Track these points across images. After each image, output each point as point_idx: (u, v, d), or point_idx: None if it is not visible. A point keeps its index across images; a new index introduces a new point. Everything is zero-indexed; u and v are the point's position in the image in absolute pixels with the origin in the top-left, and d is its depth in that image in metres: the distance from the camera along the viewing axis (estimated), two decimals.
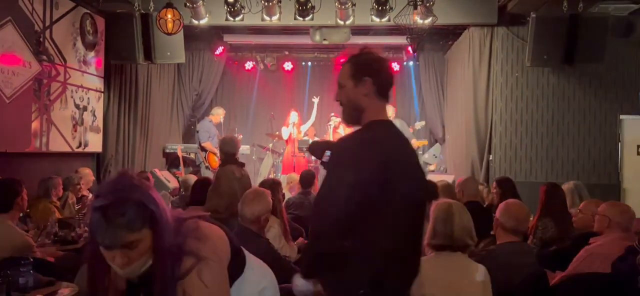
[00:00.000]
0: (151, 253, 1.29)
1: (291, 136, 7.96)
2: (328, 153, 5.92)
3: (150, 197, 1.29)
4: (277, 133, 8.27)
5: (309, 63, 10.08)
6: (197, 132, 8.13)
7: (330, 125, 8.00)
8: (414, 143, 7.76)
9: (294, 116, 8.08)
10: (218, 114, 8.06)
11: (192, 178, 5.36)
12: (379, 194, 1.61)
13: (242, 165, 4.45)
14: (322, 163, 6.30)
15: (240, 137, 8.03)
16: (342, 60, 1.84)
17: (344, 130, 8.13)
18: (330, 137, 8.10)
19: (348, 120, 1.81)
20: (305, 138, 8.23)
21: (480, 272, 2.29)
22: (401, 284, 1.69)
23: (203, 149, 7.92)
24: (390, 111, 7.81)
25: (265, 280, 1.87)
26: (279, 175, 8.47)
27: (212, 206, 3.97)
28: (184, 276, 1.34)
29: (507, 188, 4.35)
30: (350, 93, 1.78)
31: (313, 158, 8.72)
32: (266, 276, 1.89)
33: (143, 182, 1.33)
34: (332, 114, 8.23)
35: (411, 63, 9.68)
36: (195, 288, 1.33)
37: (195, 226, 1.38)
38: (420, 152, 9.30)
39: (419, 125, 8.83)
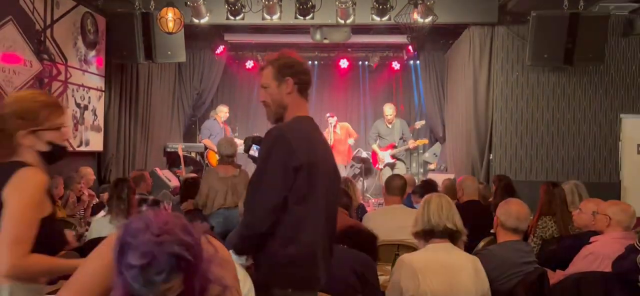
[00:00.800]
0: (181, 287, 1.22)
1: None
2: (255, 147, 6.12)
3: (188, 243, 1.19)
4: None
5: (315, 62, 10.07)
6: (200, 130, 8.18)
7: (330, 123, 7.99)
8: (413, 143, 7.75)
9: None
10: (222, 112, 8.08)
11: (197, 177, 5.37)
12: (300, 183, 1.81)
13: (238, 166, 4.56)
14: (250, 156, 6.35)
15: (240, 143, 8.09)
16: (264, 63, 2.04)
17: (340, 129, 8.12)
18: (331, 135, 8.07)
19: (273, 118, 2.00)
20: None
21: (474, 262, 2.37)
22: (318, 265, 1.86)
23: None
24: (390, 110, 7.80)
25: (247, 284, 1.94)
26: None
27: (194, 203, 4.30)
28: None
29: (504, 183, 4.36)
30: (274, 93, 1.97)
31: None
32: (247, 283, 1.95)
33: (179, 222, 1.21)
34: (328, 115, 8.19)
35: (411, 62, 9.67)
36: None
37: (214, 250, 1.31)
38: (421, 151, 9.30)
39: (419, 124, 8.83)
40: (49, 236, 1.70)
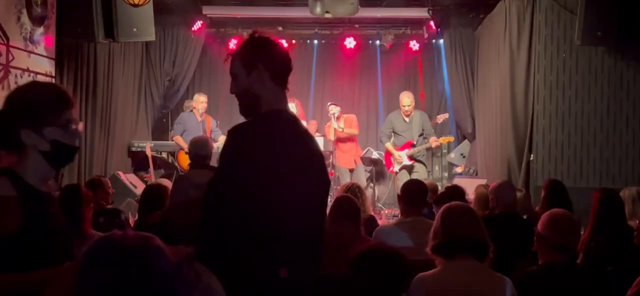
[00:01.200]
0: None
1: None
2: None
3: (159, 272, 1.24)
4: None
5: (315, 41, 10.07)
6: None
7: (333, 114, 7.95)
8: (435, 140, 7.72)
9: (291, 107, 8.02)
10: (198, 102, 8.03)
11: (164, 183, 5.35)
12: (268, 185, 1.88)
13: (213, 168, 4.50)
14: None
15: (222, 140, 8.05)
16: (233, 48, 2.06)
17: (344, 122, 8.10)
18: (332, 130, 8.05)
19: (245, 111, 2.07)
20: None
21: (506, 287, 2.37)
22: (288, 275, 1.91)
23: None
24: (408, 99, 7.77)
25: None
26: None
27: (164, 217, 4.12)
28: None
29: (556, 194, 4.33)
30: (244, 82, 2.02)
31: None
32: None
33: (150, 245, 1.25)
34: (330, 103, 8.19)
35: (433, 41, 9.66)
36: None
37: (196, 276, 1.40)
38: (445, 151, 9.29)
39: (443, 117, 8.82)
40: (20, 256, 1.74)
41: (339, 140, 8.17)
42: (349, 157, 8.28)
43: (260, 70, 2.00)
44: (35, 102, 1.83)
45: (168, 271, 1.24)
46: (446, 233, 2.42)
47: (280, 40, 9.81)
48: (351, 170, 8.28)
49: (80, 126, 1.94)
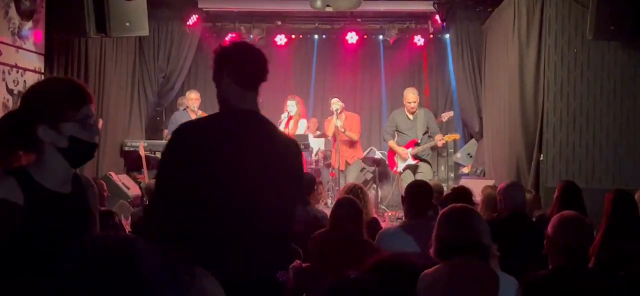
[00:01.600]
0: None
1: (288, 128, 7.91)
2: None
3: (140, 275, 1.23)
4: (279, 121, 8.25)
5: (315, 36, 10.07)
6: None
7: (335, 110, 7.89)
8: (441, 139, 7.71)
9: (291, 105, 8.02)
10: (190, 100, 8.04)
11: None
12: (194, 182, 2.01)
13: None
14: None
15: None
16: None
17: (345, 118, 8.05)
18: (332, 126, 7.99)
19: None
20: (306, 133, 8.21)
21: (509, 284, 2.40)
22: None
23: None
24: (413, 95, 7.75)
25: None
26: None
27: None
28: None
29: (569, 197, 4.33)
30: (217, 91, 2.24)
31: (314, 157, 8.72)
32: None
33: (130, 248, 1.25)
34: (333, 99, 8.11)
35: (439, 36, 9.66)
36: None
37: (189, 280, 1.36)
38: (451, 150, 9.29)
39: (448, 115, 8.82)
40: (23, 258, 1.76)
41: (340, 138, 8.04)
42: (348, 156, 8.18)
43: (227, 80, 2.18)
44: (52, 97, 1.86)
45: (153, 272, 1.23)
46: (444, 236, 2.48)
47: (278, 36, 9.81)
48: (342, 170, 8.08)
49: (100, 123, 1.98)
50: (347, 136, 8.05)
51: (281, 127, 8.05)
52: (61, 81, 1.96)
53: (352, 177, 8.02)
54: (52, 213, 1.83)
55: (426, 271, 2.48)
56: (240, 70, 2.18)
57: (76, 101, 1.86)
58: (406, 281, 2.28)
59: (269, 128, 2.26)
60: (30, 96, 1.90)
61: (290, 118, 8.00)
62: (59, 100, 1.85)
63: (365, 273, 2.20)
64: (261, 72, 2.20)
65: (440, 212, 2.61)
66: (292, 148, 2.31)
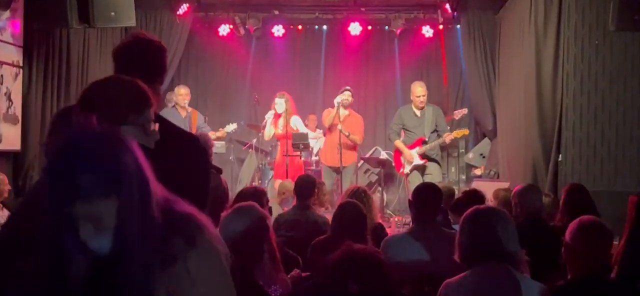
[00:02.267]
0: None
1: (278, 128, 7.87)
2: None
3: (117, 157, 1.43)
4: (264, 123, 8.24)
5: (316, 27, 10.06)
6: None
7: (338, 102, 7.80)
8: (449, 135, 7.68)
9: (279, 102, 7.85)
10: (180, 96, 8.03)
11: None
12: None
13: (219, 171, 4.45)
14: None
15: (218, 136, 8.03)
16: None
17: (348, 115, 8.01)
18: (330, 118, 7.89)
19: None
20: (306, 131, 8.19)
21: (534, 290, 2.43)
22: None
23: None
24: (422, 89, 7.73)
25: None
26: (268, 182, 8.46)
27: None
28: (170, 263, 1.45)
29: (578, 201, 4.34)
30: None
31: (314, 158, 8.72)
32: None
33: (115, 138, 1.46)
34: (346, 92, 7.95)
35: (450, 27, 9.66)
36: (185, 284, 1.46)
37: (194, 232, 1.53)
38: (462, 150, 9.29)
39: (460, 113, 8.81)
40: None
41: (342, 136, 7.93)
42: (336, 154, 7.81)
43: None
44: (117, 99, 1.91)
45: (134, 169, 1.43)
46: (468, 242, 2.51)
47: (275, 26, 9.79)
48: (336, 170, 7.96)
49: (157, 127, 2.03)
50: (351, 140, 7.93)
51: (267, 127, 8.03)
52: (125, 83, 2.01)
53: (348, 181, 7.94)
54: None
55: (450, 279, 2.52)
56: (123, 68, 2.28)
57: (140, 105, 1.93)
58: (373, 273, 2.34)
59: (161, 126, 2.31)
60: (94, 95, 1.94)
61: (278, 116, 7.86)
62: (123, 103, 1.91)
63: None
64: (147, 66, 2.31)
65: (464, 215, 2.63)
66: (188, 146, 2.33)
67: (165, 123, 2.25)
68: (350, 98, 7.93)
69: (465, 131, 8.16)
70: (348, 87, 8.03)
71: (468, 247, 2.53)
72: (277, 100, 7.88)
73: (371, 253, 2.46)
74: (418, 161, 7.69)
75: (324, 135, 8.58)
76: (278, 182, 7.15)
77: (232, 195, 4.77)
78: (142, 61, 2.34)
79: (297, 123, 8.03)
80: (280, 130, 7.80)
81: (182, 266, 1.47)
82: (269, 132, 8.04)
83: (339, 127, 7.68)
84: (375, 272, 2.36)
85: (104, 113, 1.86)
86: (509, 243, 2.50)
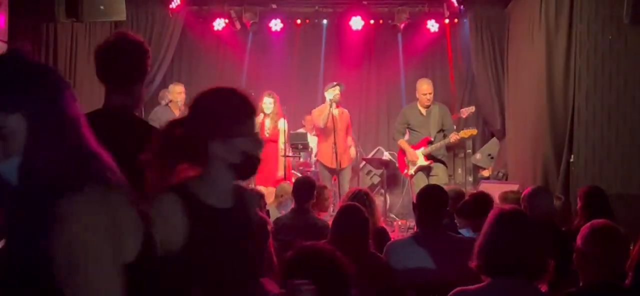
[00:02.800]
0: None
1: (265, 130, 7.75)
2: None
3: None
4: (260, 121, 8.21)
5: (315, 21, 10.05)
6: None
7: (330, 100, 7.74)
8: (455, 135, 7.67)
9: (267, 102, 7.70)
10: (174, 94, 8.03)
11: None
12: None
13: None
14: None
15: None
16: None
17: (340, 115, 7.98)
18: (325, 116, 7.85)
19: None
20: (303, 130, 8.21)
21: None
22: None
23: None
24: (428, 86, 7.72)
25: None
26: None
27: None
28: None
29: (595, 204, 4.33)
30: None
31: (313, 159, 8.72)
32: None
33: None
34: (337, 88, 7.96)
35: (456, 21, 9.66)
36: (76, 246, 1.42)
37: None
38: (469, 150, 9.28)
39: (467, 111, 8.80)
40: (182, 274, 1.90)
41: (337, 134, 7.86)
42: (333, 155, 7.79)
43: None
44: (226, 112, 2.00)
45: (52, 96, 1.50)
46: (489, 250, 2.43)
47: (273, 20, 9.77)
48: (332, 171, 7.93)
49: (261, 137, 2.10)
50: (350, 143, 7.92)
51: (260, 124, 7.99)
52: (232, 93, 2.06)
53: (346, 182, 7.93)
54: (213, 231, 1.95)
55: (464, 287, 2.47)
56: (104, 67, 2.52)
57: (247, 115, 2.03)
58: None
59: (135, 127, 2.41)
60: (202, 110, 2.02)
61: (265, 116, 7.73)
62: (233, 116, 1.99)
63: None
64: (128, 68, 2.49)
65: (489, 218, 2.52)
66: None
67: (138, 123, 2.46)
68: (332, 90, 7.81)
69: (473, 131, 8.10)
70: (338, 82, 7.97)
71: (493, 255, 2.43)
72: (265, 99, 7.70)
73: (323, 249, 2.42)
74: (423, 162, 7.69)
75: (317, 134, 8.47)
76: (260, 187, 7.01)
77: None
78: (123, 62, 2.46)
79: (285, 127, 7.84)
80: (267, 133, 7.63)
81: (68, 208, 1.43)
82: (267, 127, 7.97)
83: (350, 145, 7.76)
84: (328, 267, 2.32)
85: (216, 128, 1.96)
86: (537, 253, 2.43)
